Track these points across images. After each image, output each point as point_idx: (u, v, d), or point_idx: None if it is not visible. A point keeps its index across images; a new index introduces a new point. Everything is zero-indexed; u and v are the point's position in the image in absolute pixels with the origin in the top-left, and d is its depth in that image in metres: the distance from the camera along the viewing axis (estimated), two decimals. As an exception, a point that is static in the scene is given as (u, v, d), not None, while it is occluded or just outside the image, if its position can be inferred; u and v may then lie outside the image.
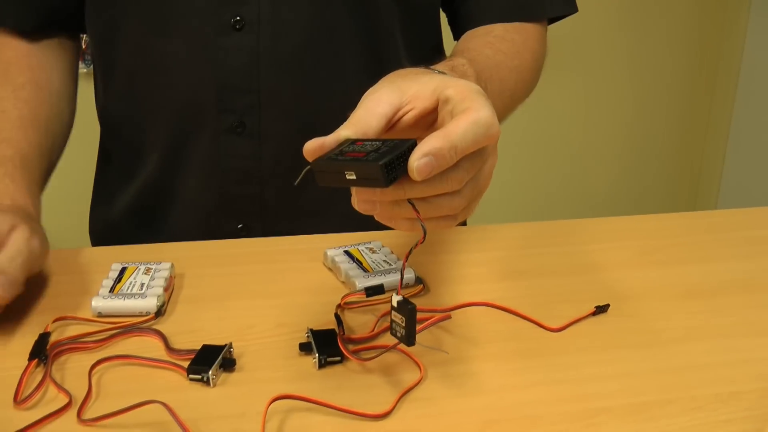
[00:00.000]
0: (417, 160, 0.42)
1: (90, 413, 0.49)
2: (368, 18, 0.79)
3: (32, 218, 0.69)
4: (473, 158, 0.46)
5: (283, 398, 0.49)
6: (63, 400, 0.50)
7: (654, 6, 2.31)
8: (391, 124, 0.49)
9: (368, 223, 0.73)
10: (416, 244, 0.48)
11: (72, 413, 0.49)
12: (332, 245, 0.71)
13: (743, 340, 0.59)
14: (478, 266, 0.71)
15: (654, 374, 0.54)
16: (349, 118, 0.48)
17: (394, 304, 0.49)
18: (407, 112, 0.49)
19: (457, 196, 0.46)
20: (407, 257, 0.49)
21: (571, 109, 2.36)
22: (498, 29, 0.81)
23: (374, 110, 0.47)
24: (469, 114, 0.45)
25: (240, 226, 0.83)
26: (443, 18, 0.90)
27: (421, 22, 0.85)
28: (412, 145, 0.44)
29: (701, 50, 2.40)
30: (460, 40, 0.84)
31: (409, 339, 0.48)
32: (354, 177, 0.43)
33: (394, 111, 0.48)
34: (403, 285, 0.53)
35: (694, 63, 2.41)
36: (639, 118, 2.43)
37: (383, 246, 0.71)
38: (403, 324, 0.48)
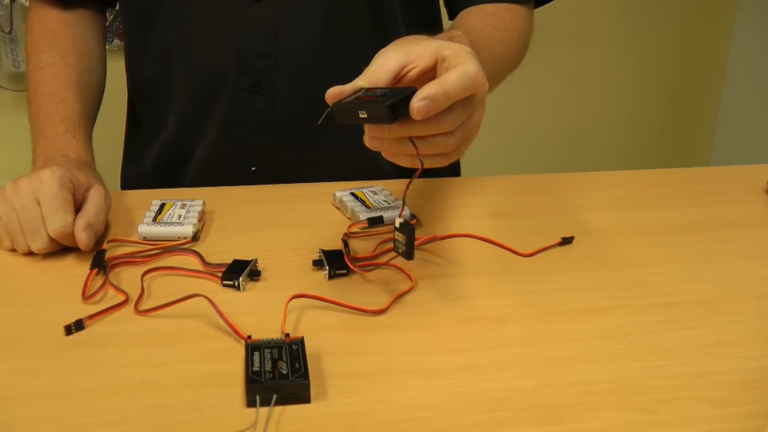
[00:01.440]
0: (417, 102, 0.53)
1: (142, 308, 0.61)
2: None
3: (94, 171, 0.81)
4: (464, 105, 0.57)
5: (300, 297, 0.60)
6: (120, 298, 0.62)
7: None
8: (398, 78, 0.59)
9: (364, 175, 0.85)
10: (414, 175, 0.59)
11: (129, 307, 0.61)
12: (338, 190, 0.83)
13: (687, 266, 0.70)
14: (467, 208, 0.82)
15: (606, 289, 0.65)
16: (364, 72, 0.59)
17: (397, 225, 0.60)
18: (411, 69, 0.59)
19: (450, 136, 0.58)
20: (408, 186, 0.60)
21: (569, 85, 2.47)
22: (489, 8, 0.92)
23: (384, 66, 0.58)
24: (459, 67, 0.56)
25: (253, 169, 0.94)
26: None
27: (419, 2, 0.96)
28: (413, 91, 0.55)
29: (691, 26, 2.50)
30: (456, 18, 0.95)
31: (409, 254, 0.60)
32: (365, 116, 0.54)
33: (401, 67, 0.59)
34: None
35: (685, 36, 2.51)
36: (635, 92, 2.53)
37: (383, 189, 0.82)
38: (404, 242, 0.60)
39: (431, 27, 0.98)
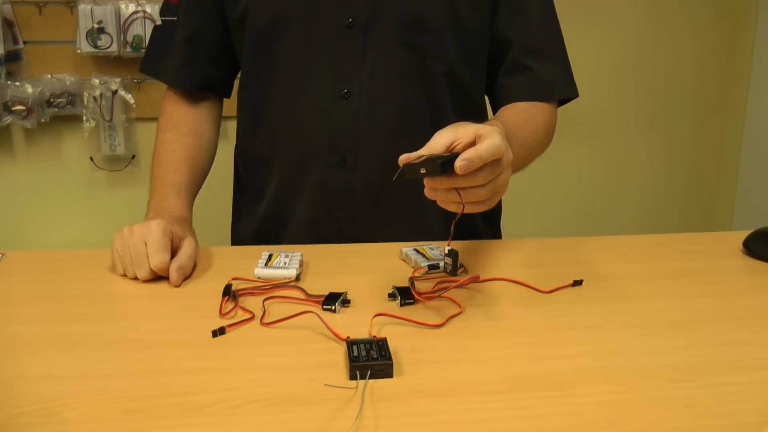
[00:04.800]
0: (459, 162, 0.78)
1: (266, 321, 0.85)
2: (431, 97, 1.17)
3: (190, 227, 1.09)
4: (493, 166, 0.82)
5: (381, 315, 0.84)
6: (247, 316, 0.86)
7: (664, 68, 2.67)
8: (449, 150, 0.83)
9: (425, 235, 1.09)
10: (458, 215, 0.83)
11: (256, 322, 0.85)
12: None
13: (667, 300, 0.92)
14: (503, 261, 1.06)
15: (602, 314, 0.88)
16: (425, 145, 0.83)
17: (446, 251, 0.85)
18: (458, 144, 0.83)
19: (483, 188, 0.82)
20: (454, 222, 0.84)
21: (603, 164, 2.71)
22: (521, 105, 1.18)
23: (439, 140, 0.83)
24: (488, 139, 0.81)
25: (337, 230, 1.19)
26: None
27: (467, 103, 1.22)
28: (456, 155, 0.79)
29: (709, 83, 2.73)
30: (496, 112, 1.20)
31: (454, 272, 0.85)
32: (424, 171, 0.79)
33: (451, 142, 0.83)
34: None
35: (702, 121, 2.74)
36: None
37: (438, 247, 1.06)
38: (450, 263, 0.84)
39: (477, 119, 1.23)
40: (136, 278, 0.97)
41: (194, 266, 1.02)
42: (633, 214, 2.78)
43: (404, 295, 0.90)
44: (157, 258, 0.95)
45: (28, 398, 0.69)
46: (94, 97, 2.25)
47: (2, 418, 0.66)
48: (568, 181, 2.70)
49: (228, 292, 0.91)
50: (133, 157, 2.37)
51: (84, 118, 2.28)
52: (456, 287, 0.93)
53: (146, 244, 0.96)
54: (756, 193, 2.69)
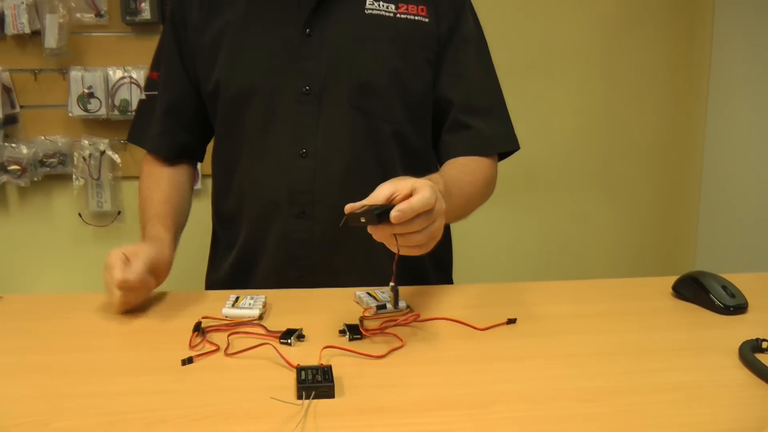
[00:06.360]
0: (394, 212, 0.91)
1: (229, 352, 0.96)
2: (380, 155, 1.30)
3: (162, 245, 1.21)
4: (426, 215, 0.94)
5: (329, 347, 0.95)
6: (213, 348, 0.97)
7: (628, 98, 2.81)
8: (389, 201, 0.95)
9: (377, 280, 1.20)
10: (396, 257, 0.96)
11: (220, 353, 0.96)
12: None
13: (597, 335, 1.04)
14: (448, 302, 1.17)
15: (532, 346, 0.99)
16: (369, 196, 0.96)
17: (390, 287, 1.00)
18: (397, 195, 0.95)
19: (418, 234, 0.95)
20: (395, 263, 0.97)
21: (562, 220, 2.83)
22: (462, 159, 1.32)
23: (380, 192, 0.95)
24: (420, 192, 0.94)
25: (298, 276, 1.31)
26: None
27: (414, 159, 1.35)
28: (392, 206, 0.92)
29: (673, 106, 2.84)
30: (441, 167, 1.34)
31: (395, 304, 1.04)
32: (364, 220, 0.92)
33: (391, 194, 0.95)
34: (398, 309, 1.04)
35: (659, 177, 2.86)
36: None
37: (388, 290, 1.18)
38: (393, 296, 1.00)
39: (423, 174, 1.36)
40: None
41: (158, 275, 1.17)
42: (591, 266, 2.88)
43: (353, 331, 1.01)
44: (116, 275, 1.07)
45: (22, 412, 0.81)
46: (84, 157, 2.39)
47: (2, 428, 0.77)
48: (524, 233, 2.81)
49: (198, 328, 1.02)
50: (119, 213, 2.49)
51: (74, 176, 2.41)
52: (399, 325, 1.05)
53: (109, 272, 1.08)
54: (716, 241, 2.80)
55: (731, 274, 1.22)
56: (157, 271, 1.15)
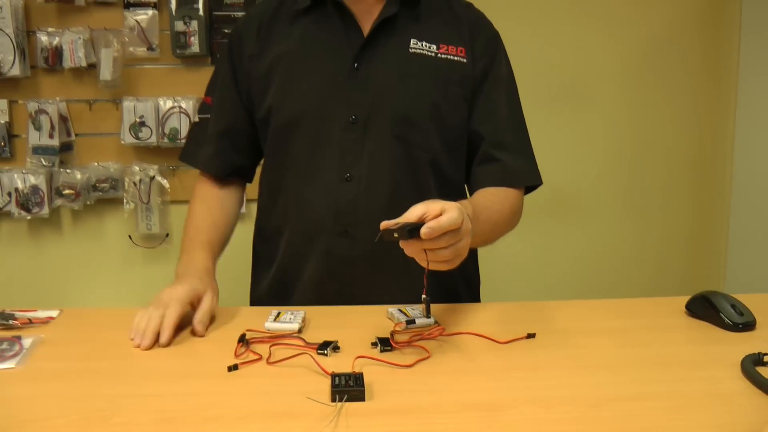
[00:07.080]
0: (424, 229, 1.00)
1: (271, 361, 1.06)
2: (418, 181, 1.40)
3: (211, 277, 1.32)
4: (453, 233, 1.04)
5: (362, 357, 1.04)
6: (256, 357, 1.07)
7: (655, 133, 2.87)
8: (421, 220, 1.04)
9: (410, 296, 1.30)
10: (426, 272, 1.05)
11: (262, 362, 1.06)
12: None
13: (616, 348, 1.12)
14: (475, 318, 1.26)
15: (549, 358, 1.08)
16: (403, 215, 1.05)
17: (423, 298, 1.08)
18: (428, 215, 1.04)
19: (445, 251, 1.05)
20: (426, 274, 1.06)
21: (586, 245, 2.89)
22: (491, 189, 1.41)
23: (413, 212, 1.05)
24: (448, 213, 1.03)
25: (337, 289, 1.41)
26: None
27: (448, 188, 1.44)
28: (423, 224, 1.01)
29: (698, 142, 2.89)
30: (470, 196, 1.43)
31: (427, 314, 1.11)
32: (396, 236, 1.01)
33: (423, 214, 1.04)
34: (428, 320, 1.13)
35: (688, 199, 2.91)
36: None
37: (419, 307, 1.27)
38: (425, 307, 1.08)
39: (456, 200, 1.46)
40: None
41: (213, 317, 1.24)
42: (619, 288, 2.92)
43: (384, 343, 1.11)
44: (162, 339, 1.14)
45: (85, 409, 0.92)
46: (134, 182, 2.52)
47: (68, 421, 0.88)
48: (555, 257, 2.87)
49: (242, 340, 1.12)
50: (167, 235, 2.62)
51: (124, 200, 2.54)
52: (426, 338, 1.14)
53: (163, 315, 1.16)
54: (745, 263, 2.82)
55: (743, 294, 1.29)
56: (197, 300, 1.25)
